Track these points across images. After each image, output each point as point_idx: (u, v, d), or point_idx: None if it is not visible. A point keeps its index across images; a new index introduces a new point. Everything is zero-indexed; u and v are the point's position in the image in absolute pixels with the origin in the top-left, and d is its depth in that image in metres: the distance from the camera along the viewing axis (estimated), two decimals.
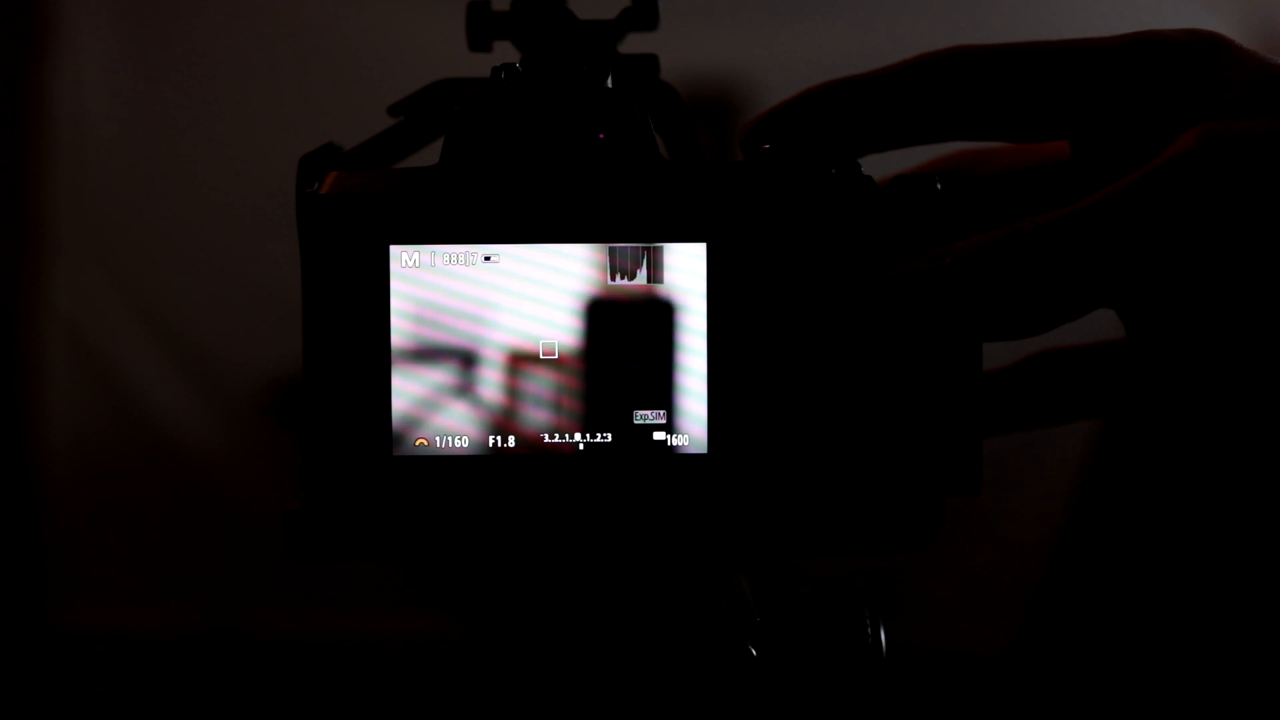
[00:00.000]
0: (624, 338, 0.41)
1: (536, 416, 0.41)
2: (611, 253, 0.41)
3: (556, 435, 0.41)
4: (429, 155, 0.43)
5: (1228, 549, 1.05)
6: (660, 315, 0.41)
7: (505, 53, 0.46)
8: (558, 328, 0.41)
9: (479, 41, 0.47)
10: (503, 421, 0.41)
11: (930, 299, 0.39)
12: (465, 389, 0.41)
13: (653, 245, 0.41)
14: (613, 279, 0.41)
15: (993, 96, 0.43)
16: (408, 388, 0.41)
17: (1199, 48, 0.42)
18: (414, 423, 0.41)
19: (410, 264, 0.41)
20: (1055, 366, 0.47)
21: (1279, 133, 0.39)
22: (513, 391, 0.41)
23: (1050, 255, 0.39)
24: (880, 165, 0.43)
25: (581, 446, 0.41)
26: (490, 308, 0.41)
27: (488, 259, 0.41)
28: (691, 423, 0.41)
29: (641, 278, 0.41)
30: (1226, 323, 0.41)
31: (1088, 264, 0.39)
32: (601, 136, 0.41)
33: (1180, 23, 0.43)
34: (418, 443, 0.41)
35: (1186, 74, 0.41)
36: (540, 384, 0.41)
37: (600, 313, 0.41)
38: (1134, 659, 1.09)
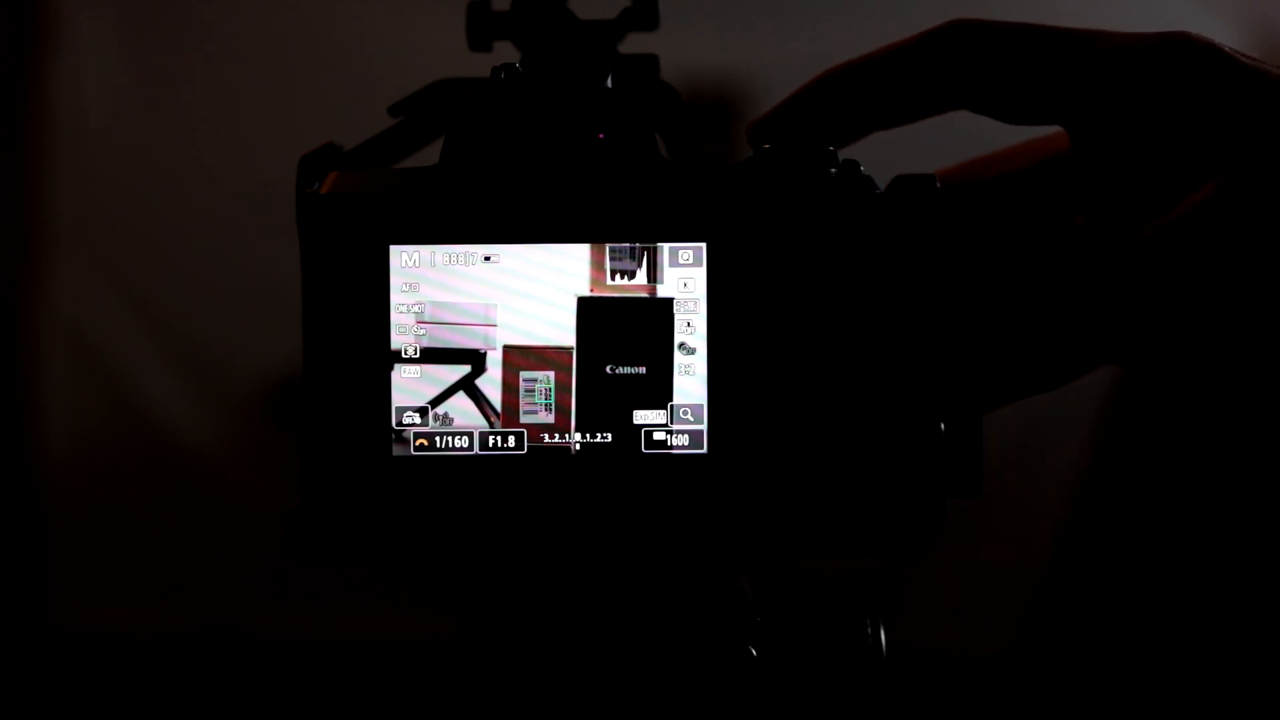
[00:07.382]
0: (624, 338, 0.41)
1: (536, 416, 0.41)
2: (611, 252, 0.41)
3: (556, 435, 0.41)
4: (429, 155, 0.43)
5: (1228, 549, 1.05)
6: (660, 315, 0.41)
7: (505, 53, 0.46)
8: (557, 327, 0.41)
9: (479, 41, 0.48)
10: (503, 421, 0.41)
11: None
12: (465, 389, 0.41)
13: (652, 245, 0.41)
14: (612, 279, 0.41)
15: (989, 70, 0.43)
16: (407, 388, 0.41)
17: (1190, 52, 0.42)
18: (414, 423, 0.41)
19: (410, 264, 0.41)
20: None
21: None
22: (512, 391, 0.41)
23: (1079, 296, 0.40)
24: (882, 169, 0.43)
25: (581, 446, 0.41)
26: (490, 307, 0.41)
27: (487, 259, 0.41)
28: (691, 423, 0.41)
29: (641, 277, 0.41)
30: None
31: (1103, 313, 0.40)
32: (601, 136, 0.41)
33: (1177, 19, 0.44)
34: (417, 443, 0.41)
35: (1182, 80, 0.42)
36: (540, 384, 0.41)
37: (600, 312, 0.41)
38: (1134, 659, 1.09)
